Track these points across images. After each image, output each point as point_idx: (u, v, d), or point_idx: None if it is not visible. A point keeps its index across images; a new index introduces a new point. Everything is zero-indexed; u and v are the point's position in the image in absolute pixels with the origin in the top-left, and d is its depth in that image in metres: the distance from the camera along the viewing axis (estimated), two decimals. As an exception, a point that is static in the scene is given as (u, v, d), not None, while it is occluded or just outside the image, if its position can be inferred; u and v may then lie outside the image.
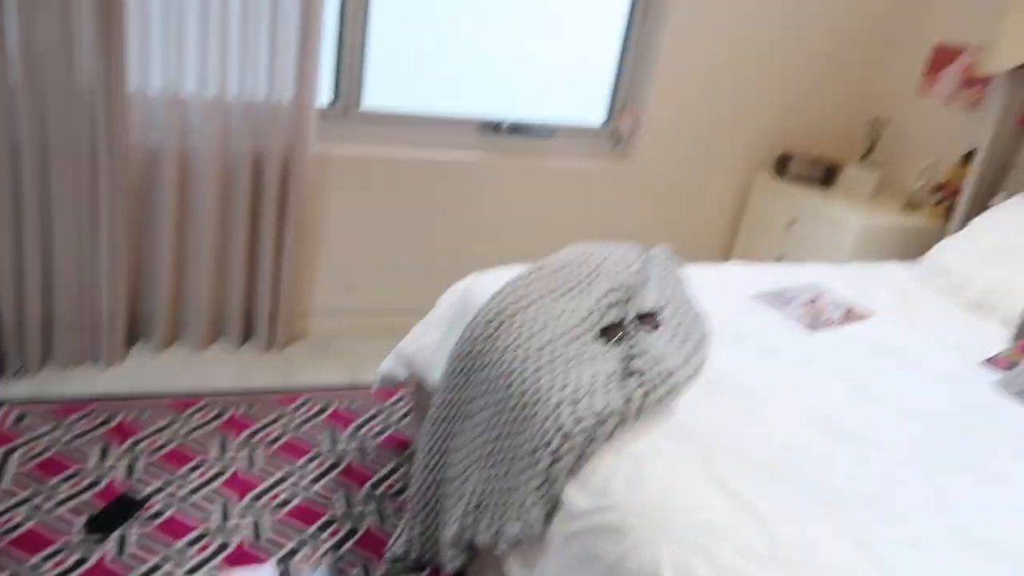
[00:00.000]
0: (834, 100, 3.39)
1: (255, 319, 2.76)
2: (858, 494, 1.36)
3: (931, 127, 3.15)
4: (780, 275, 2.33)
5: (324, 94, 2.71)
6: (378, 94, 2.81)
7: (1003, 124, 2.70)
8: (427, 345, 2.06)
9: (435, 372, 1.94)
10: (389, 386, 2.24)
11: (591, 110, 3.21)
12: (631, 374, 1.56)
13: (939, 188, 3.02)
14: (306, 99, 2.47)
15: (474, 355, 1.77)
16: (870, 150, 3.21)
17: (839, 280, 2.35)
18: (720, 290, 2.14)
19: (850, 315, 2.11)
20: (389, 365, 2.14)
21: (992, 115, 2.71)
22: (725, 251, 3.56)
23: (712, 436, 1.47)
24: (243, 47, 2.37)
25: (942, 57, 3.11)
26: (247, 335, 2.79)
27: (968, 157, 2.88)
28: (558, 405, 1.49)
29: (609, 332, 1.74)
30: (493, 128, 2.98)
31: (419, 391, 2.19)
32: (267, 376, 2.64)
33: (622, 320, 1.79)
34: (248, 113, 2.45)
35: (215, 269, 2.61)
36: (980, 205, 2.78)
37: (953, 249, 2.45)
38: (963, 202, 2.79)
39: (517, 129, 3.01)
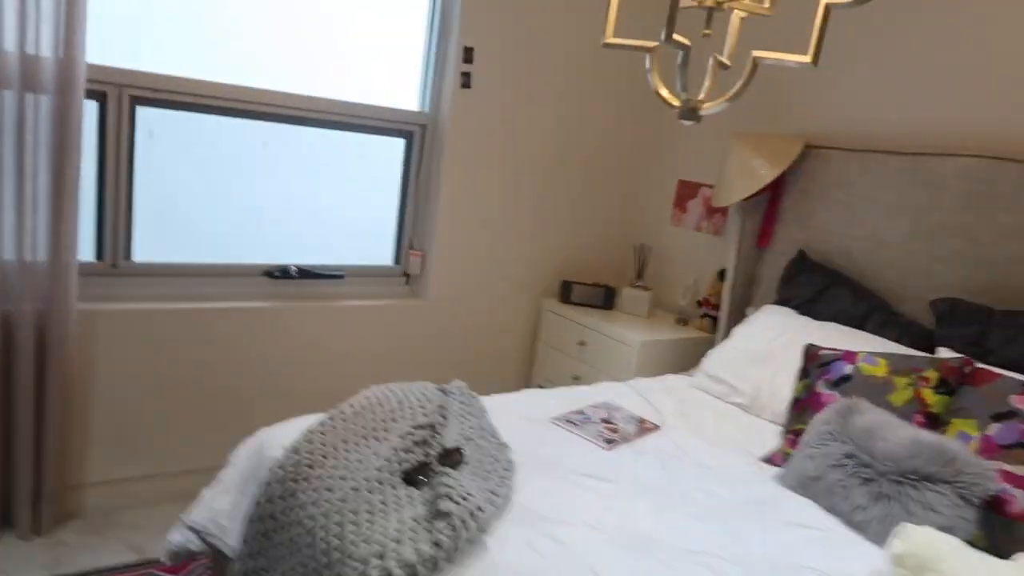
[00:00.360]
0: (603, 230, 3.73)
1: (14, 502, 2.38)
2: (670, 607, 1.38)
3: (687, 250, 3.54)
4: (575, 396, 2.42)
5: (87, 250, 2.52)
6: (153, 246, 2.66)
7: (743, 245, 3.09)
8: (220, 510, 1.88)
9: (232, 538, 1.76)
10: (182, 560, 1.99)
11: (381, 251, 3.25)
12: (439, 516, 1.51)
13: (702, 303, 3.36)
14: (63, 257, 2.28)
15: (273, 516, 1.63)
16: (640, 273, 3.52)
17: (628, 395, 2.49)
18: (520, 417, 2.17)
19: (642, 428, 2.23)
20: (179, 536, 1.92)
21: (733, 239, 3.09)
22: (524, 376, 3.66)
23: (525, 570, 1.44)
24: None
25: (686, 191, 3.54)
26: (5, 522, 2.39)
27: (722, 274, 3.25)
28: (366, 561, 1.40)
29: (413, 475, 1.69)
30: (280, 274, 2.91)
31: (216, 561, 1.97)
32: (32, 567, 2.25)
33: (426, 460, 1.75)
34: (-7, 277, 2.21)
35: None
36: (738, 315, 3.12)
37: (719, 358, 2.70)
38: (723, 314, 3.12)
39: (306, 273, 2.96)
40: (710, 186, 3.42)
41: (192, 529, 1.91)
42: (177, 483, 2.65)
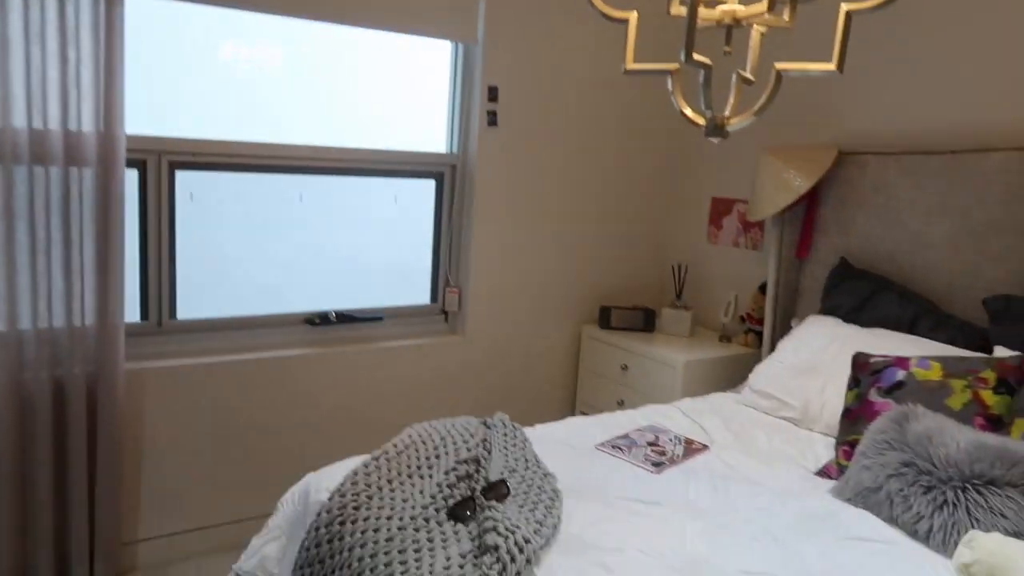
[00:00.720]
0: (640, 253, 3.71)
1: (71, 562, 2.42)
2: (728, 631, 1.33)
3: (726, 267, 3.50)
4: (619, 421, 2.39)
5: (133, 311, 2.60)
6: (197, 303, 2.74)
7: (782, 257, 3.03)
8: (269, 557, 1.89)
9: (280, 587, 1.77)
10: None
11: (418, 291, 3.28)
12: (486, 550, 1.50)
13: (745, 319, 3.30)
14: (110, 319, 2.36)
15: (321, 560, 1.64)
16: (679, 293, 3.48)
17: (674, 417, 2.45)
18: (564, 446, 2.15)
19: (690, 449, 2.18)
20: None
21: (772, 252, 3.04)
22: (569, 404, 3.62)
23: (577, 600, 1.41)
24: (34, 277, 2.25)
25: (720, 208, 3.51)
26: (60, 584, 2.44)
27: (764, 288, 3.19)
28: (414, 600, 1.39)
29: (459, 510, 1.68)
30: (320, 320, 2.95)
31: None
32: None
33: (471, 495, 1.74)
34: (45, 341, 2.29)
35: (16, 516, 2.30)
36: (783, 328, 3.05)
37: (766, 373, 2.64)
38: (767, 328, 3.06)
39: (345, 318, 3.00)
40: (744, 201, 3.38)
41: (244, 578, 1.92)
42: (229, 533, 2.68)
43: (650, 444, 2.19)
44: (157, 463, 2.63)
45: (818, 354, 2.54)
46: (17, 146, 2.17)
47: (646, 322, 3.40)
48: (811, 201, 2.98)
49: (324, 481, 1.84)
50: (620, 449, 2.15)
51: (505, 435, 2.04)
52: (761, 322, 3.19)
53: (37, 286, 2.26)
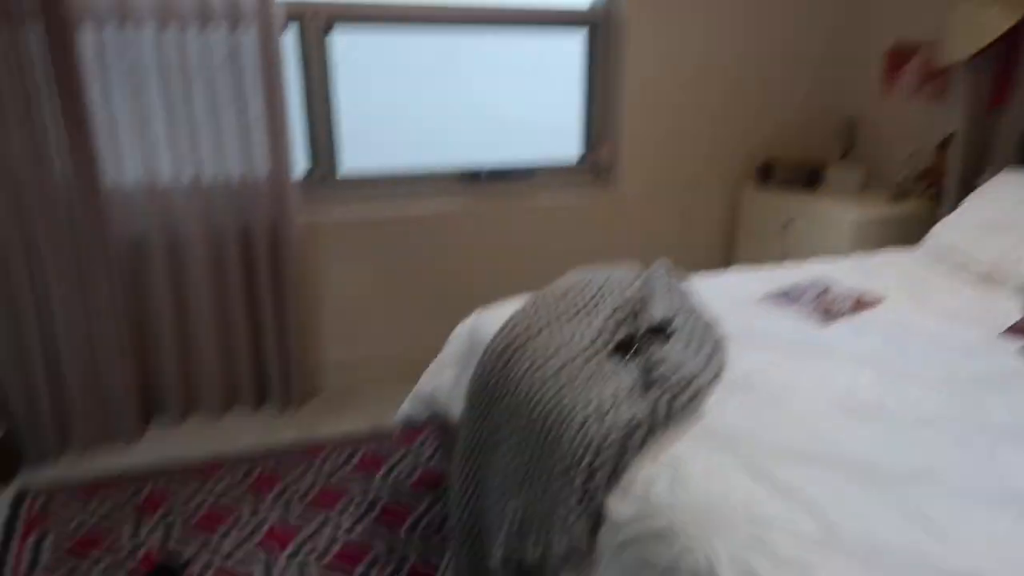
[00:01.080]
0: (805, 105, 3.44)
1: (268, 382, 2.76)
2: (902, 470, 1.32)
3: (903, 120, 3.20)
4: (784, 275, 2.32)
5: (300, 165, 2.74)
6: (356, 157, 2.85)
7: (974, 108, 2.74)
8: (443, 384, 2.05)
9: (455, 408, 1.91)
10: (411, 428, 2.21)
11: (568, 148, 3.24)
12: (653, 384, 1.53)
13: (923, 176, 3.04)
14: (282, 173, 2.52)
15: (491, 387, 1.74)
16: (848, 149, 3.24)
17: (844, 272, 2.34)
18: (727, 296, 2.12)
19: (861, 303, 2.09)
20: (408, 408, 2.14)
21: (962, 101, 2.75)
22: (724, 262, 3.54)
23: (745, 433, 1.44)
24: (212, 131, 2.43)
25: (899, 53, 3.16)
26: (262, 398, 2.79)
27: (944, 143, 2.92)
28: (584, 422, 1.45)
29: (623, 347, 1.71)
30: (473, 177, 3.01)
31: (443, 428, 2.16)
32: (288, 434, 2.62)
33: (634, 335, 1.77)
34: (227, 193, 2.50)
35: (219, 340, 2.62)
36: (967, 186, 2.80)
37: (952, 229, 2.45)
38: (950, 185, 2.81)
39: (497, 175, 3.03)
40: (929, 45, 3.02)
41: (419, 401, 2.10)
42: (401, 365, 2.88)
43: (817, 296, 2.12)
44: (336, 300, 2.87)
45: (1013, 210, 2.32)
46: (183, 10, 2.28)
47: (811, 179, 3.20)
48: (1011, 43, 2.62)
49: (492, 316, 1.94)
50: (786, 300, 2.09)
51: (667, 281, 2.03)
52: (942, 180, 2.93)
53: (216, 141, 2.43)
